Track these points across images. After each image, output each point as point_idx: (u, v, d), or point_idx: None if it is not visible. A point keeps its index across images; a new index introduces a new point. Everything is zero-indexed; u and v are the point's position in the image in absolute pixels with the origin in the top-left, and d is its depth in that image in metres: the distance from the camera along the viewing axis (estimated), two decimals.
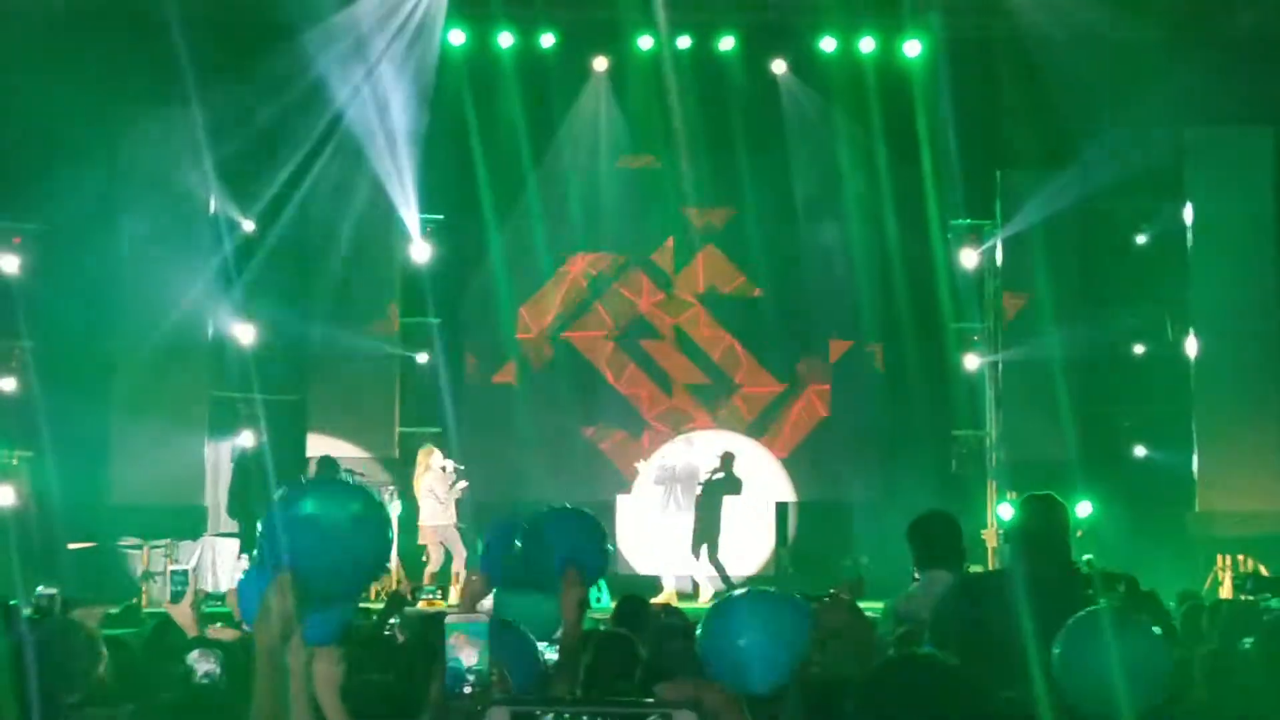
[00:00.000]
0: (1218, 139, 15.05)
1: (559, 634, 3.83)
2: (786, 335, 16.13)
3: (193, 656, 4.30)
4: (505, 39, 15.33)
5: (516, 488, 14.49)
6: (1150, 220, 15.58)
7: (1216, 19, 14.32)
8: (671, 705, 2.17)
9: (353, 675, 3.25)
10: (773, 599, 3.37)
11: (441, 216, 15.54)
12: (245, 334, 14.50)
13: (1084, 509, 13.73)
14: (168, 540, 13.35)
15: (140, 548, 13.25)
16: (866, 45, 15.38)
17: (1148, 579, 7.54)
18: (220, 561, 13.58)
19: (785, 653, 3.14)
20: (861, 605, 4.28)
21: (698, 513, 14.04)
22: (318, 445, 14.61)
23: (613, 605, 7.01)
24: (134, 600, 11.67)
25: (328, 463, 13.65)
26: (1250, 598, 9.12)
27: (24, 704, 3.77)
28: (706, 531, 13.94)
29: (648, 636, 5.66)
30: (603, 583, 13.09)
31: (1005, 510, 14.56)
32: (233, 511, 14.35)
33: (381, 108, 14.41)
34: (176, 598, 4.48)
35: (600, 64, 15.70)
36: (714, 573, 13.86)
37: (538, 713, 2.21)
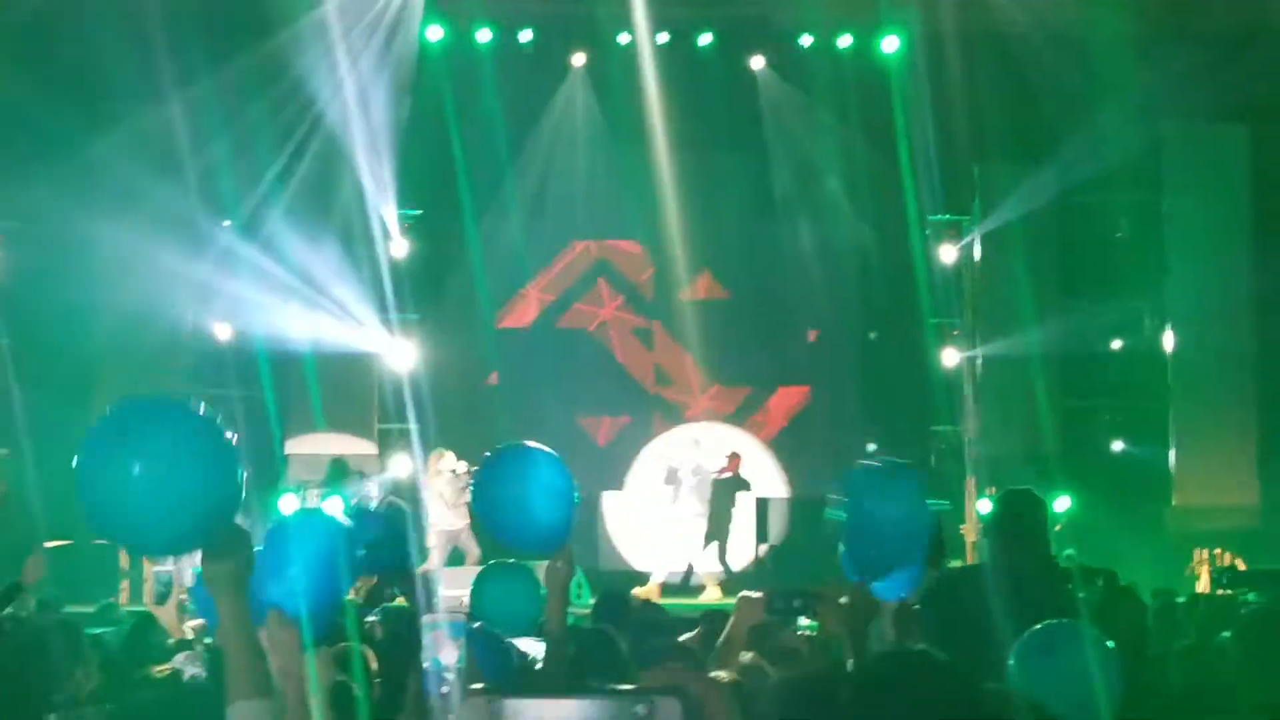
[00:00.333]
0: (1194, 135, 15.13)
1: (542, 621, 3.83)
2: (764, 331, 16.14)
3: (179, 660, 4.29)
4: (484, 35, 15.29)
5: None
6: (1128, 215, 15.64)
7: (1192, 16, 14.38)
8: (656, 692, 2.14)
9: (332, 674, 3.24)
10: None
11: (420, 212, 15.50)
12: (223, 331, 14.42)
13: (1062, 504, 13.76)
14: None
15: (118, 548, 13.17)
16: (844, 41, 15.41)
17: (1126, 573, 7.56)
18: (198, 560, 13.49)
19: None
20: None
21: (710, 511, 14.11)
22: (296, 442, 14.56)
23: (592, 601, 7.01)
24: (111, 599, 11.59)
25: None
26: (1228, 592, 9.17)
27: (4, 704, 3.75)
28: (717, 530, 13.96)
29: (627, 632, 5.66)
30: (583, 578, 13.11)
31: (984, 505, 14.60)
32: None
33: (359, 103, 14.35)
34: (161, 599, 4.47)
35: (579, 60, 15.68)
36: (720, 570, 13.89)
37: (513, 700, 2.19)
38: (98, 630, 6.15)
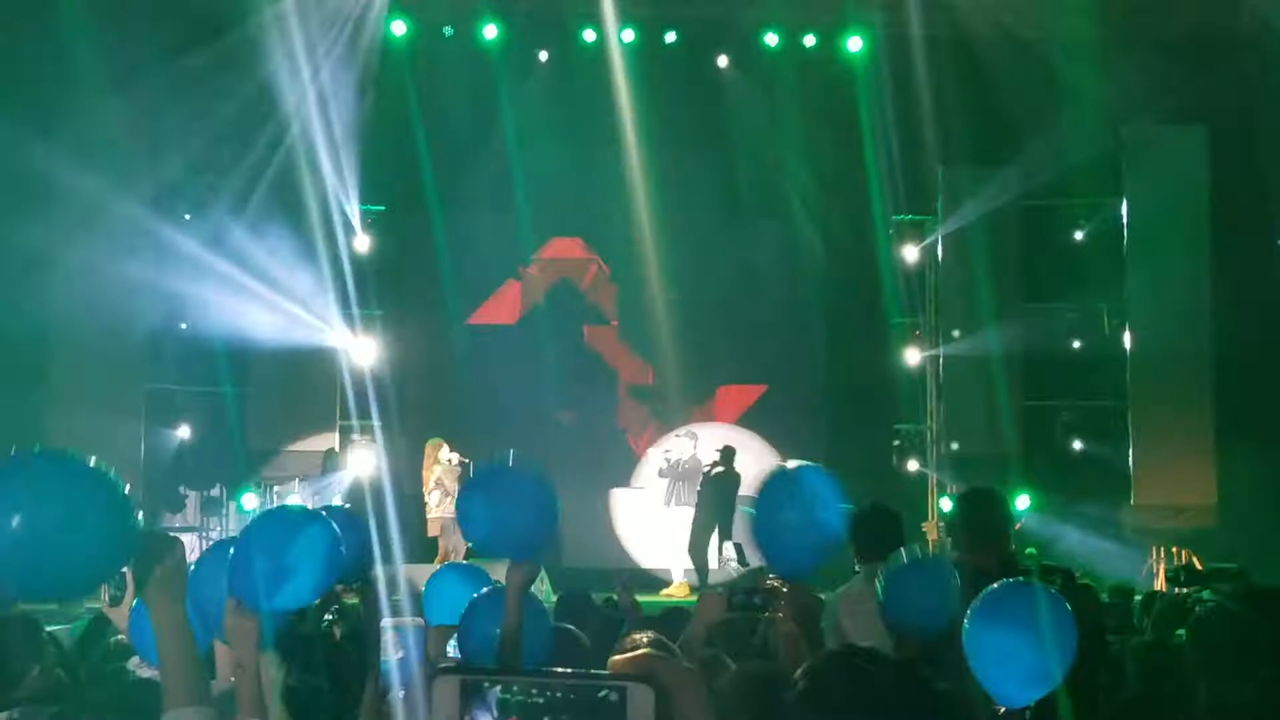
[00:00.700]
0: (1154, 137, 15.26)
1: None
2: (727, 330, 16.14)
3: (133, 662, 4.25)
4: (448, 30, 15.23)
5: None
6: (1089, 217, 15.76)
7: (1152, 21, 14.49)
8: (627, 679, 2.12)
9: (289, 675, 3.22)
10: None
11: (383, 207, 15.43)
12: (182, 326, 14.32)
13: (1022, 502, 13.88)
14: None
15: None
16: (809, 41, 15.45)
17: (1085, 571, 7.63)
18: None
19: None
20: None
21: (696, 506, 14.04)
22: (257, 438, 14.47)
23: (554, 599, 7.00)
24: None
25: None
26: (1184, 590, 9.25)
27: None
28: (703, 527, 13.88)
29: (590, 630, 5.66)
30: (545, 575, 13.09)
31: (946, 503, 14.69)
32: (172, 505, 14.20)
33: (322, 98, 14.27)
34: (115, 601, 4.41)
35: (544, 56, 15.65)
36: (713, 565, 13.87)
37: (487, 684, 2.16)
38: (54, 628, 6.09)
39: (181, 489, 14.69)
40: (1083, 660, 3.87)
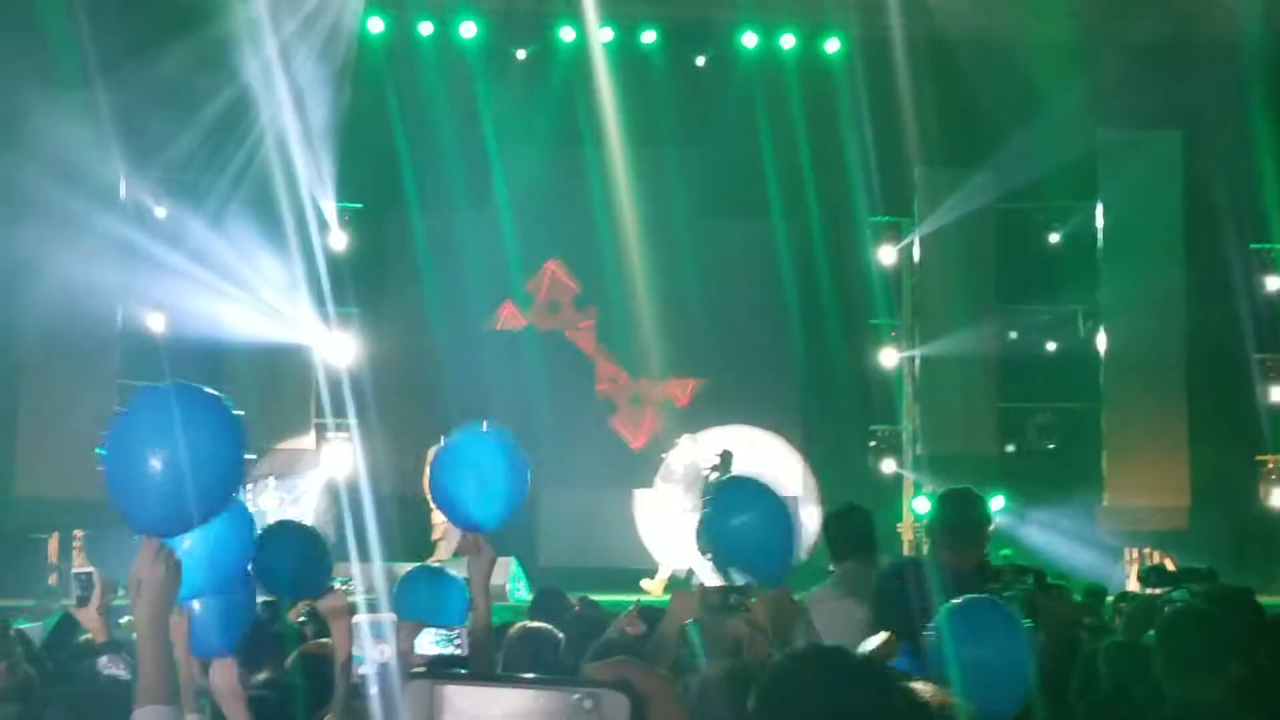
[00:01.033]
0: (1129, 141, 15.34)
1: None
2: (704, 330, 16.13)
3: (102, 662, 4.22)
4: (425, 28, 15.20)
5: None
6: (1064, 220, 15.84)
7: (1127, 24, 14.57)
8: (601, 685, 2.11)
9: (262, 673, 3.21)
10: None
11: (360, 205, 15.38)
12: (157, 323, 14.24)
13: (997, 503, 13.93)
14: (79, 532, 13.05)
15: (47, 539, 12.96)
16: (787, 42, 15.48)
17: (1058, 572, 7.66)
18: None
19: None
20: None
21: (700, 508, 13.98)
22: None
23: (530, 598, 7.00)
24: (41, 598, 11.43)
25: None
26: (1155, 591, 9.29)
27: None
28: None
29: (564, 629, 5.66)
30: (521, 573, 13.07)
31: (921, 504, 14.74)
32: None
33: (298, 95, 14.21)
34: (82, 602, 4.38)
35: (522, 55, 15.63)
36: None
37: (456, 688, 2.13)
38: (23, 625, 6.06)
39: None
40: (1054, 660, 3.90)
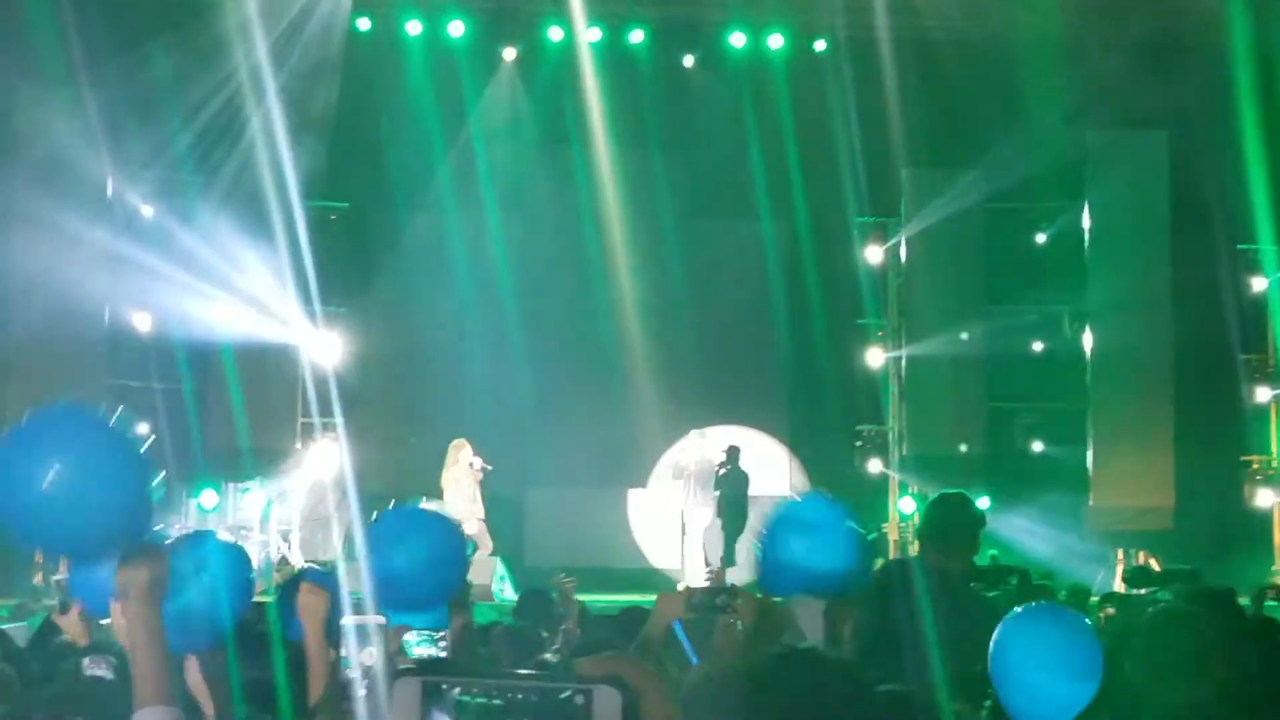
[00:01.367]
0: (1115, 141, 15.38)
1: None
2: (691, 330, 16.12)
3: (85, 663, 4.21)
4: (414, 27, 15.18)
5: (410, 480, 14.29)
6: (1051, 220, 15.87)
7: (1114, 26, 14.61)
8: (592, 681, 2.10)
9: (244, 670, 3.20)
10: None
11: (347, 204, 15.35)
12: (143, 322, 14.20)
13: (983, 503, 13.94)
14: None
15: None
16: (775, 42, 15.48)
17: (1043, 572, 7.68)
18: None
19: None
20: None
21: (717, 508, 14.18)
22: (218, 434, 14.37)
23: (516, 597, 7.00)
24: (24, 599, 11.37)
25: None
26: (1140, 591, 9.34)
27: None
28: (722, 527, 14.01)
29: (549, 627, 5.67)
30: (507, 571, 13.06)
31: (907, 504, 14.78)
32: None
33: (286, 93, 14.16)
34: (64, 608, 4.36)
35: (510, 54, 15.62)
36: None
37: (444, 686, 2.12)
38: (6, 626, 6.04)
39: None
40: None
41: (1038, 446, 15.65)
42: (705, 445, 15.00)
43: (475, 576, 9.54)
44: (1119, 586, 12.42)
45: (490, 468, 13.24)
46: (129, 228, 13.72)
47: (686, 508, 14.81)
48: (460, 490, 12.90)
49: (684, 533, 14.67)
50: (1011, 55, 14.20)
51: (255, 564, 3.90)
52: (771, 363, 16.24)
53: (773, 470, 15.57)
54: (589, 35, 15.28)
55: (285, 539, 13.76)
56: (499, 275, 16.13)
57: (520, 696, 2.06)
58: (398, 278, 15.78)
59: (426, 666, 3.40)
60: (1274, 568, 14.18)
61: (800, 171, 15.37)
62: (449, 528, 3.84)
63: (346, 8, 14.78)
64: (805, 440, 15.87)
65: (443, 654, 3.62)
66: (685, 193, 15.94)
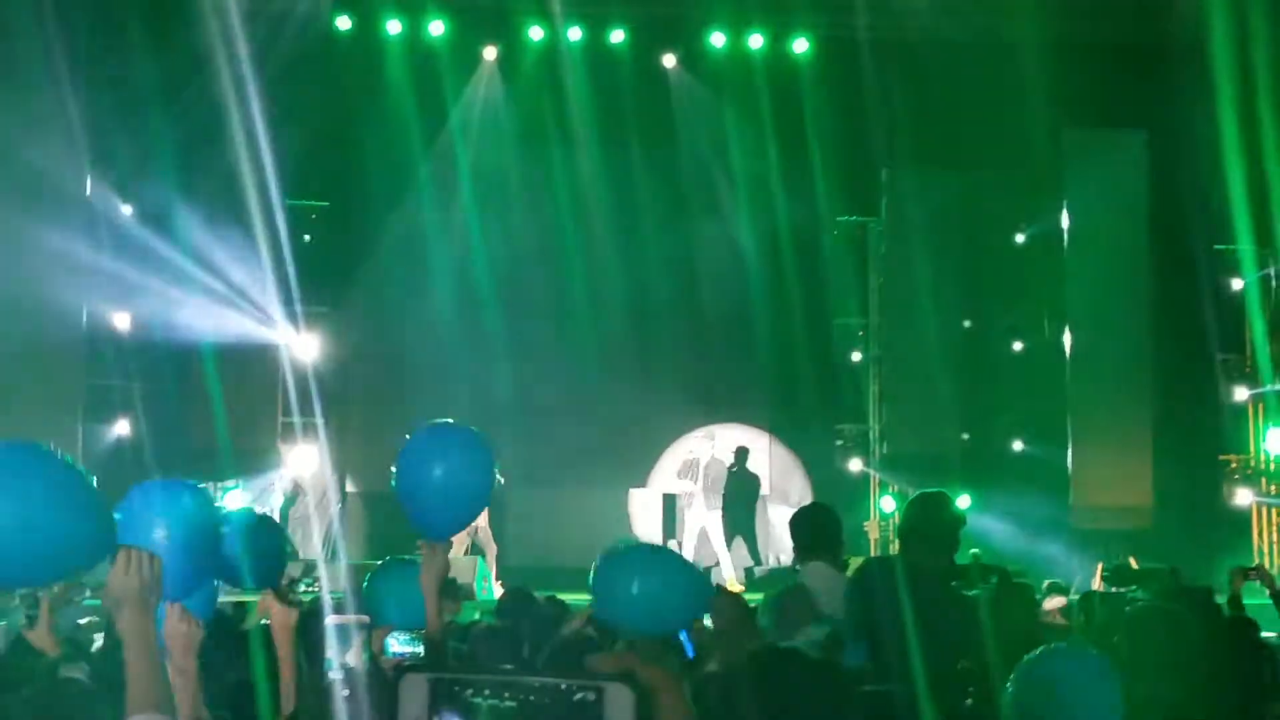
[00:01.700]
0: (1094, 141, 15.44)
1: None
2: (671, 329, 16.12)
3: (61, 669, 4.20)
4: (394, 26, 15.15)
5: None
6: (1030, 220, 15.93)
7: (1094, 26, 14.66)
8: (604, 679, 2.08)
9: (225, 670, 3.20)
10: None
11: (327, 203, 15.30)
12: (122, 322, 14.13)
13: (963, 502, 13.99)
14: None
15: None
16: (756, 42, 15.49)
17: (1027, 572, 7.70)
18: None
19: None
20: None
21: (723, 507, 14.27)
22: (198, 434, 14.31)
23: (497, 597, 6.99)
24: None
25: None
26: (1119, 590, 9.38)
27: None
28: (735, 526, 14.06)
29: (531, 627, 5.66)
30: (486, 572, 13.04)
31: (888, 503, 14.81)
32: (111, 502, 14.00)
33: (265, 92, 14.10)
34: (31, 622, 4.33)
35: (490, 53, 15.59)
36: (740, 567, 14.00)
37: (456, 687, 2.10)
38: None
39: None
40: (1019, 660, 3.92)
41: (1017, 446, 15.70)
42: (714, 446, 15.10)
43: (458, 575, 9.53)
44: (1098, 585, 12.49)
45: (502, 480, 13.15)
46: (108, 227, 13.64)
47: (695, 508, 14.88)
48: None
49: (682, 532, 14.72)
50: (990, 55, 14.24)
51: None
52: (751, 361, 16.25)
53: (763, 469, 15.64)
54: (569, 34, 15.27)
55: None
56: (480, 274, 16.11)
57: (531, 697, 2.05)
58: (378, 276, 15.75)
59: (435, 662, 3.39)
60: None
61: (780, 171, 15.39)
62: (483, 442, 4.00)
63: (327, 7, 14.74)
64: (785, 439, 15.88)
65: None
66: (665, 192, 15.93)
